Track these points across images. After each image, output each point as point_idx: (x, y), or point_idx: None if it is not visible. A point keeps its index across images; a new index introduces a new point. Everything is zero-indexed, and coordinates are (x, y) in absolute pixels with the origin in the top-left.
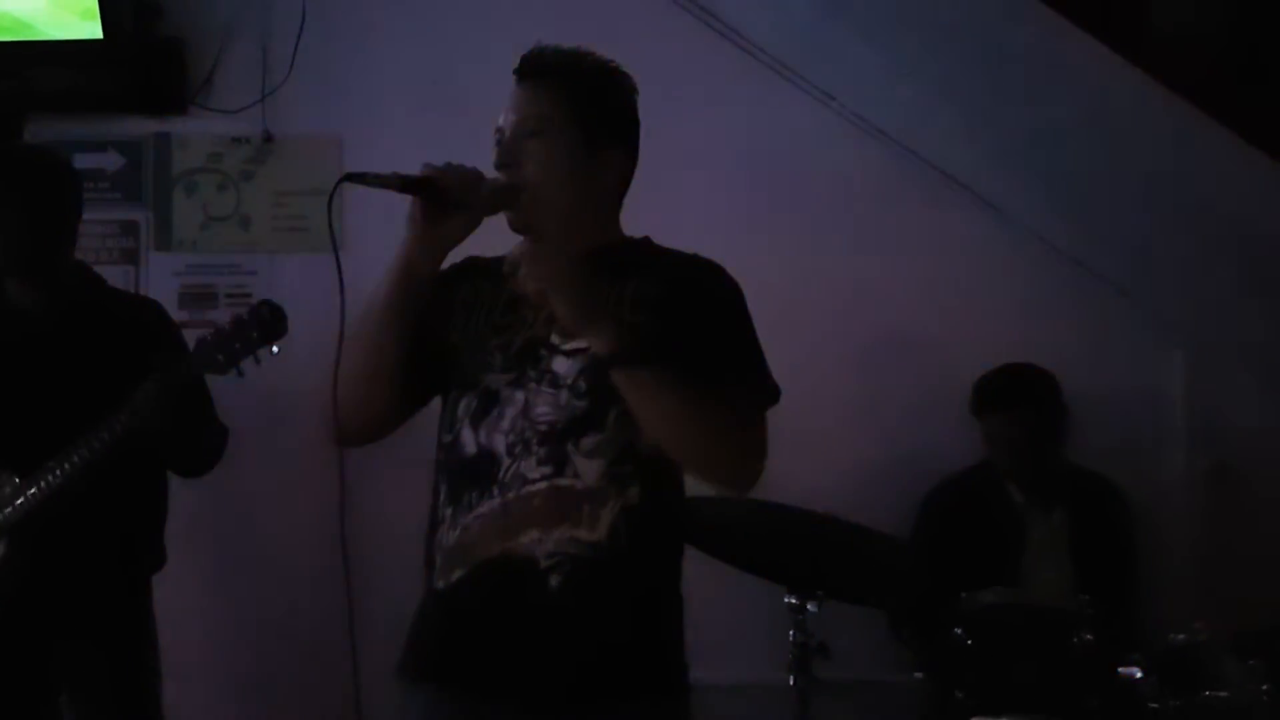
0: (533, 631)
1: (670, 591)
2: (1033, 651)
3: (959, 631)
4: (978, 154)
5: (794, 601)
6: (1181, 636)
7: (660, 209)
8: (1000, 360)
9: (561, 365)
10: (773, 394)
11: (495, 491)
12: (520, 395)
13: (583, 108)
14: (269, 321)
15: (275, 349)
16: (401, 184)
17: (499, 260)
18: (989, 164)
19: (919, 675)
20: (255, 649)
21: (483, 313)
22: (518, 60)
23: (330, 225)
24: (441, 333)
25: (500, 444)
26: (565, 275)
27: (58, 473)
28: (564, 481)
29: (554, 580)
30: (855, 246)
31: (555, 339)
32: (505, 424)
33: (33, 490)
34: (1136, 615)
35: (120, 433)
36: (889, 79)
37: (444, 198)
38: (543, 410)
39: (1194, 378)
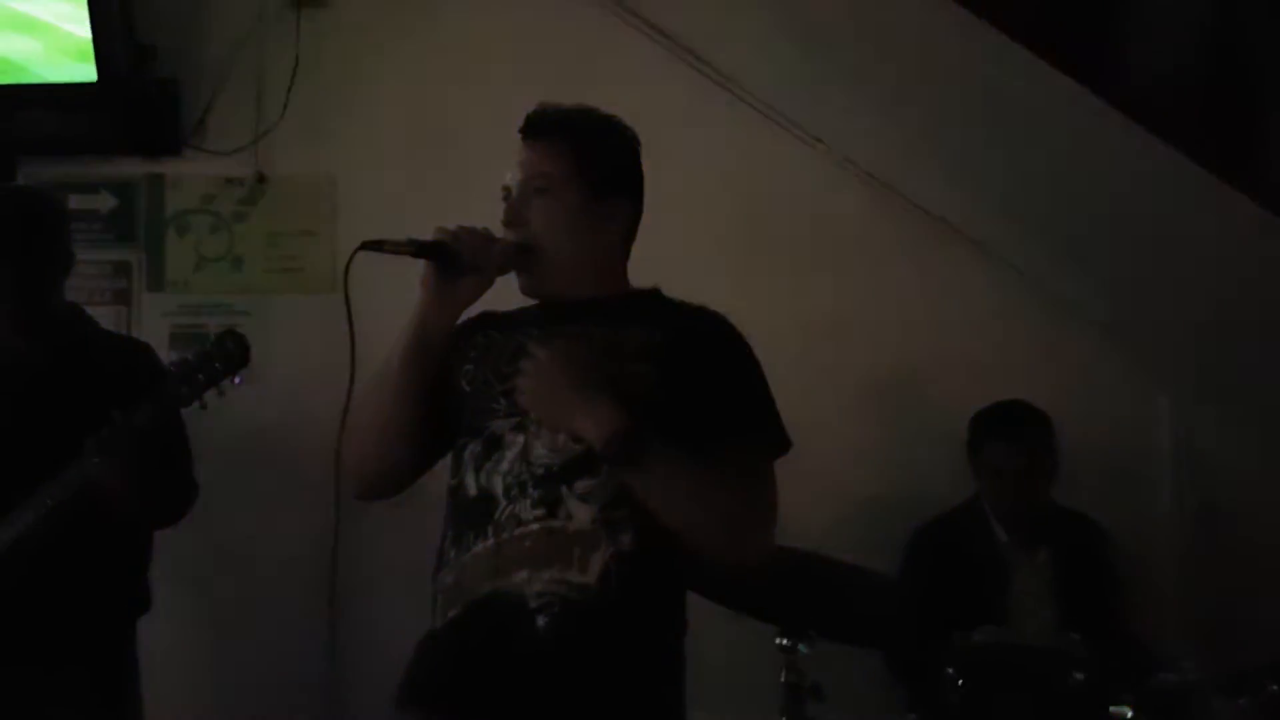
0: (519, 670)
1: (665, 642)
2: (1025, 691)
3: (951, 671)
4: (964, 196)
5: (785, 642)
6: (1171, 676)
7: (648, 252)
8: (988, 400)
9: None
10: (782, 445)
11: (490, 532)
12: (521, 439)
13: (586, 163)
14: (232, 352)
15: (238, 379)
16: (416, 250)
17: (510, 314)
18: (975, 206)
19: (912, 716)
20: (241, 693)
21: (491, 362)
22: (522, 120)
23: (346, 296)
24: (455, 383)
25: (498, 486)
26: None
27: (27, 517)
28: (556, 523)
29: (541, 620)
30: (843, 288)
31: None
32: (504, 466)
33: (8, 533)
34: (1124, 654)
35: (78, 481)
36: (876, 122)
37: (456, 261)
38: (541, 453)
39: (1180, 419)
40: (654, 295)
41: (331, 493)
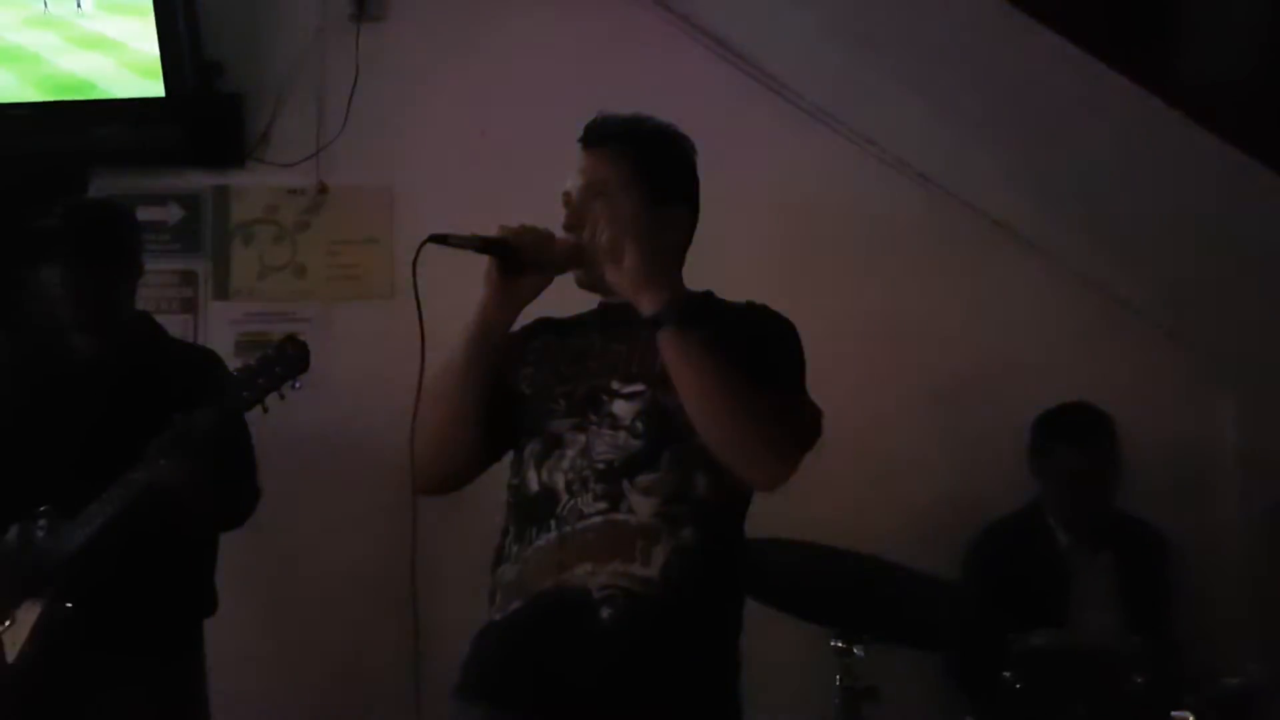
0: (582, 661)
1: (724, 639)
2: (1084, 694)
3: (1009, 674)
4: (1019, 196)
5: (841, 645)
6: (1235, 679)
7: (704, 256)
8: (1048, 403)
9: (621, 408)
10: (816, 420)
11: (553, 526)
12: (582, 437)
13: (644, 169)
14: (292, 357)
15: (298, 384)
16: (481, 245)
17: (569, 320)
18: (1031, 206)
19: (969, 719)
20: (309, 693)
21: (550, 365)
22: (582, 129)
23: (415, 285)
24: (515, 386)
25: (560, 481)
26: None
27: (96, 518)
28: (619, 516)
29: (605, 612)
30: (899, 290)
31: (616, 384)
32: (566, 463)
33: (78, 534)
34: (1179, 659)
35: (143, 482)
36: (928, 123)
37: (519, 257)
38: (602, 450)
39: (1246, 420)
40: (709, 298)
41: (394, 495)
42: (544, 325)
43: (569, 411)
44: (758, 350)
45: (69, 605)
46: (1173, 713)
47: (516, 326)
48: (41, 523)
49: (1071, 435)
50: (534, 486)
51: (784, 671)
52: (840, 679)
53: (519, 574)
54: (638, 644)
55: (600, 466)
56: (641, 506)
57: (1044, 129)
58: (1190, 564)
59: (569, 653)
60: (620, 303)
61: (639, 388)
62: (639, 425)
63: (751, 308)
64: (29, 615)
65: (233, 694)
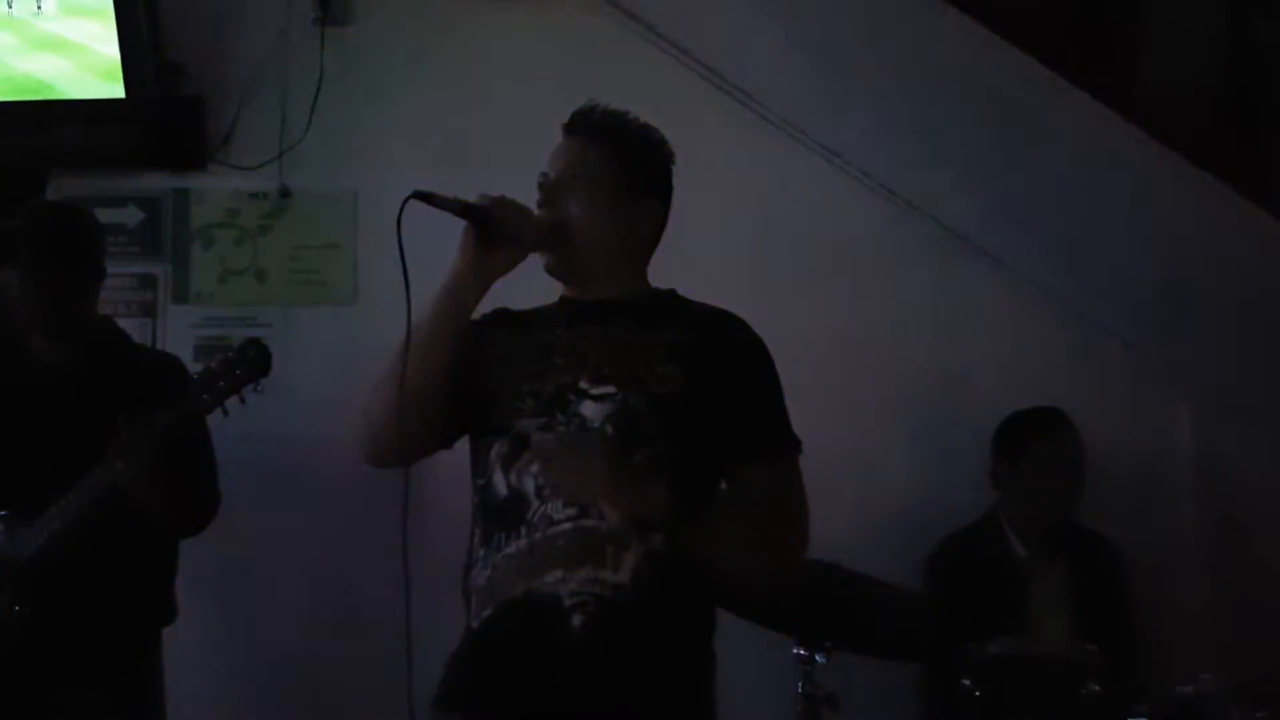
0: (554, 669)
1: (697, 639)
2: (1041, 702)
3: (967, 682)
4: (980, 209)
5: (802, 652)
6: (1189, 688)
7: (667, 265)
8: (1006, 414)
9: (590, 409)
10: (797, 445)
11: (523, 532)
12: (550, 439)
13: (623, 160)
14: (254, 360)
15: (258, 387)
16: (461, 208)
17: (529, 312)
18: (991, 219)
19: None
20: (269, 704)
21: (515, 361)
22: (568, 117)
23: (399, 242)
24: (476, 378)
25: (529, 486)
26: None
27: (55, 521)
28: (589, 522)
29: (576, 619)
30: (861, 301)
31: (585, 384)
32: (535, 466)
33: (35, 539)
34: (1135, 670)
35: (102, 485)
36: (892, 137)
37: (497, 228)
38: None
39: (1201, 430)
40: (673, 296)
41: (355, 500)
42: (503, 316)
43: (536, 411)
44: (739, 380)
45: (23, 610)
46: None
47: (475, 315)
48: (0, 527)
49: (1047, 433)
50: (503, 490)
51: (745, 678)
52: (801, 686)
53: (489, 580)
54: (610, 651)
55: None
56: (612, 512)
57: (1004, 142)
58: (1145, 573)
59: (541, 661)
60: (585, 298)
61: (610, 390)
62: (609, 429)
63: (722, 317)
64: None
65: (190, 704)
